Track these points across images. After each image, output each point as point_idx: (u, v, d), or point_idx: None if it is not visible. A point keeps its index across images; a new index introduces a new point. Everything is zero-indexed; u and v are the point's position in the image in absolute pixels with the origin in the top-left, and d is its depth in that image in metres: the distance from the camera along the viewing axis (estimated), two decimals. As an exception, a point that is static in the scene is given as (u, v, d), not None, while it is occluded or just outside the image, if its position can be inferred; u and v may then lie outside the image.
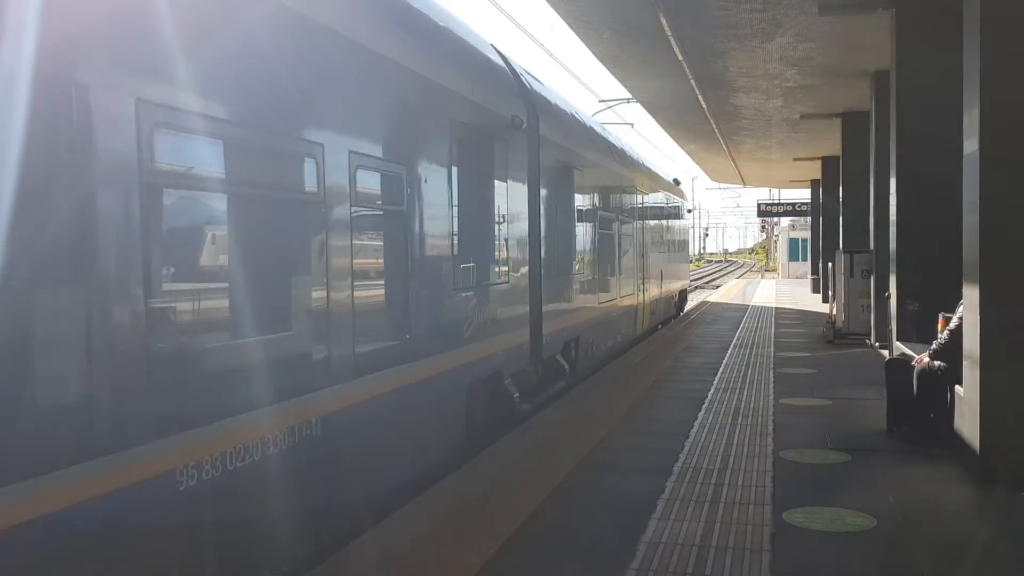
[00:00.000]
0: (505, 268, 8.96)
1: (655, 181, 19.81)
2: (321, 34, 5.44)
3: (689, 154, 30.72)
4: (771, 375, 11.57)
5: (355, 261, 5.68)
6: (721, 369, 12.15)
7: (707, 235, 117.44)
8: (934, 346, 7.65)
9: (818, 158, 27.85)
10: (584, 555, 4.96)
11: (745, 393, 10.14)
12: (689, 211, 29.53)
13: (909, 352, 8.84)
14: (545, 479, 6.42)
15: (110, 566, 3.65)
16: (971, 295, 6.61)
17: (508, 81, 9.54)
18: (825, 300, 23.73)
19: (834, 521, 5.49)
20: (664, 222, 20.94)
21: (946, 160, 8.24)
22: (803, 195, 40.56)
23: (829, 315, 17.64)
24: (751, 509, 5.70)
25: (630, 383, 11.08)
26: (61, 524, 3.37)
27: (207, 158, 4.41)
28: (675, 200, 23.22)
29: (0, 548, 3.12)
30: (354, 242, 5.69)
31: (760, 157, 29.15)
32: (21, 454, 3.25)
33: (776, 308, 24.82)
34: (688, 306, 26.16)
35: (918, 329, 10.60)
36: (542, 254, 10.03)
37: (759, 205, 44.05)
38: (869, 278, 15.12)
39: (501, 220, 8.81)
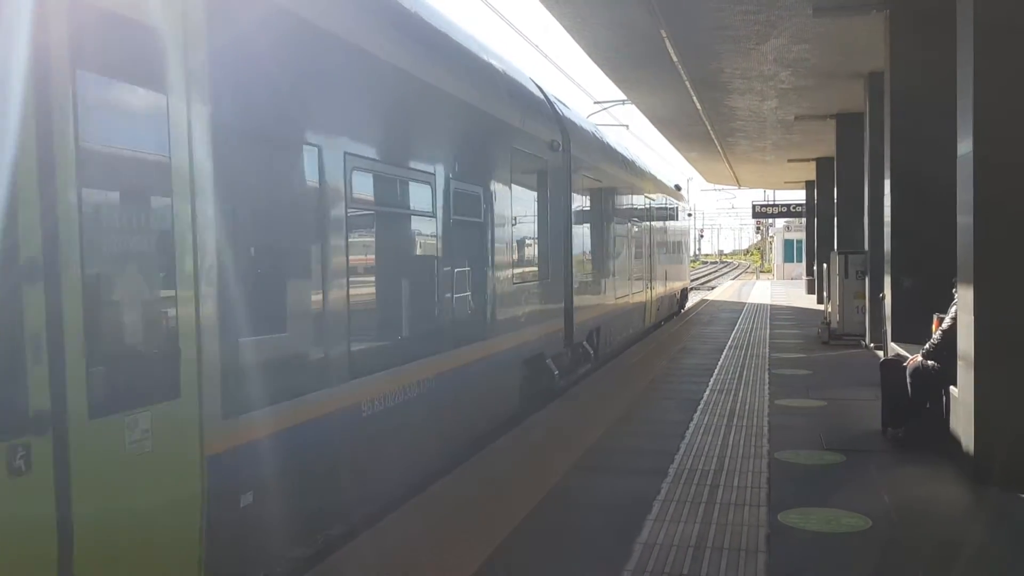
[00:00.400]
0: (547, 268, 10.72)
1: (660, 187, 21.41)
2: (449, 100, 7.70)
3: (684, 156, 30.77)
4: (766, 376, 11.59)
5: (451, 262, 7.52)
6: (717, 370, 12.16)
7: (702, 236, 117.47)
8: (927, 346, 7.67)
9: (813, 159, 27.91)
10: (580, 556, 4.96)
11: (740, 394, 10.15)
12: (689, 215, 31.71)
13: (904, 353, 8.85)
14: (541, 480, 6.42)
15: (326, 453, 5.41)
16: (965, 295, 6.62)
17: (547, 110, 11.26)
18: (820, 301, 23.79)
19: (829, 522, 5.50)
20: (668, 226, 22.57)
21: (940, 161, 8.28)
22: (798, 196, 40.59)
23: (824, 316, 17.68)
24: (746, 510, 5.70)
25: (626, 384, 11.09)
26: (314, 430, 5.21)
27: (380, 188, 6.43)
28: (677, 204, 24.90)
29: (281, 441, 4.80)
30: (455, 248, 7.61)
31: (755, 158, 29.20)
32: (295, 386, 5.06)
33: (771, 309, 24.86)
34: (687, 304, 27.59)
35: (915, 307, 10.24)
36: (572, 256, 11.82)
37: (754, 206, 44.08)
38: (864, 279, 15.15)
39: (545, 227, 10.65)
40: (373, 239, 6.27)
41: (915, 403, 7.60)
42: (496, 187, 8.81)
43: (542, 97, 11.41)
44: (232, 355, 4.38)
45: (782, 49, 13.75)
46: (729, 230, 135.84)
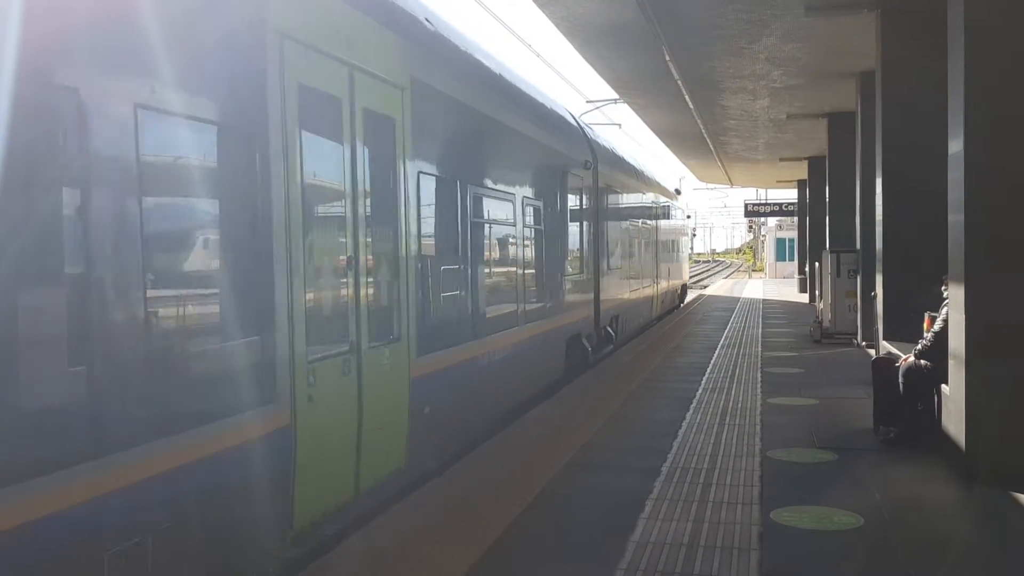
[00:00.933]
0: (581, 265, 13.13)
1: (664, 192, 23.76)
2: (532, 143, 10.60)
3: (676, 154, 30.81)
4: (759, 375, 11.62)
5: (527, 262, 10.22)
6: (709, 369, 12.19)
7: (695, 235, 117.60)
8: (919, 346, 7.69)
9: (804, 158, 27.97)
10: (573, 555, 4.97)
11: (733, 393, 10.18)
12: (688, 216, 34.76)
13: (895, 351, 8.89)
14: (534, 479, 6.43)
15: (465, 386, 7.92)
16: (956, 294, 6.65)
17: (580, 135, 13.77)
18: (812, 300, 23.87)
19: (821, 520, 5.52)
20: (671, 227, 24.98)
21: (931, 160, 8.29)
22: (790, 195, 40.74)
23: (816, 314, 17.73)
24: (739, 508, 5.72)
25: (619, 383, 11.10)
26: (459, 369, 7.73)
27: (494, 208, 9.02)
28: (677, 207, 27.69)
29: (443, 375, 7.26)
30: (530, 250, 10.36)
31: (747, 157, 29.26)
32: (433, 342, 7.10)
33: (763, 308, 24.93)
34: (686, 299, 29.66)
35: (907, 306, 10.23)
36: (598, 255, 14.09)
37: (746, 205, 44.21)
38: (855, 278, 15.20)
39: (580, 232, 13.03)
40: (492, 246, 9.07)
41: (907, 402, 7.63)
42: (551, 201, 11.37)
43: (576, 125, 14.04)
44: (422, 321, 6.92)
45: (774, 48, 13.78)
46: (721, 229, 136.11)
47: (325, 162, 5.58)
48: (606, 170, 14.82)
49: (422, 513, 5.72)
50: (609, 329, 14.96)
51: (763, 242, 64.37)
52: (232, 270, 4.61)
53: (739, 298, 28.82)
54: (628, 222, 17.59)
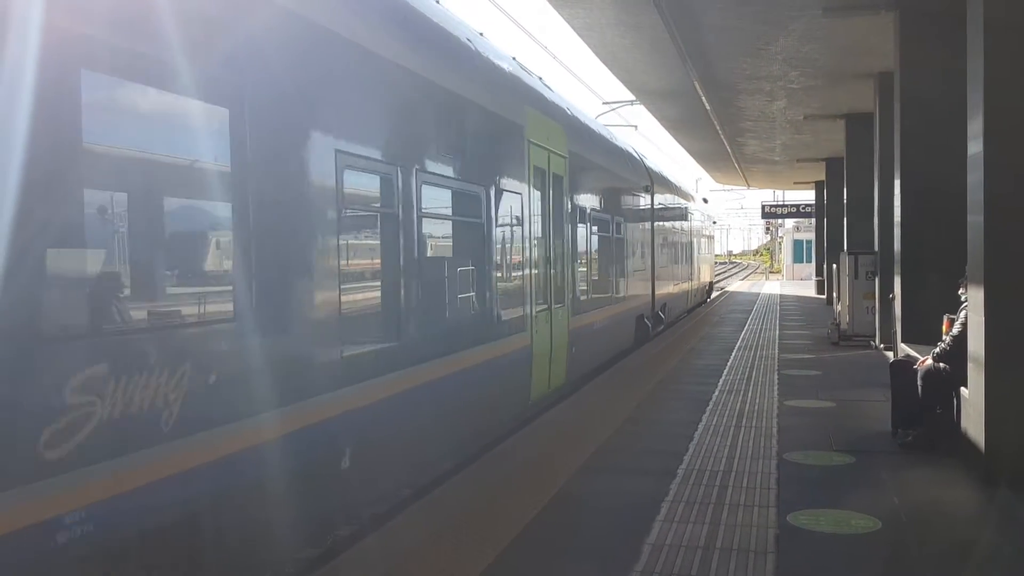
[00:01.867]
0: (643, 263, 17.39)
1: (695, 203, 29.19)
2: (622, 179, 15.48)
3: (693, 156, 30.71)
4: (775, 377, 11.56)
5: (620, 260, 14.62)
6: (726, 371, 12.14)
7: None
8: (938, 348, 7.63)
9: (822, 160, 27.83)
10: (588, 558, 4.96)
11: (750, 395, 10.13)
12: (714, 223, 40.47)
13: (914, 354, 8.82)
14: (549, 481, 6.42)
15: (591, 341, 12.26)
16: (976, 296, 6.59)
17: (641, 165, 17.99)
18: (830, 302, 23.73)
19: (839, 523, 5.48)
20: (701, 235, 29.73)
21: (950, 162, 8.24)
22: (807, 196, 40.53)
23: (833, 316, 17.62)
24: (756, 511, 5.69)
25: (635, 385, 11.08)
26: (589, 328, 12.10)
27: (607, 227, 13.94)
28: (706, 216, 33.53)
29: (584, 331, 11.64)
30: (621, 252, 14.76)
31: (764, 159, 29.14)
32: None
33: (780, 310, 24.83)
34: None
35: (925, 308, 10.14)
36: (654, 258, 18.42)
37: (763, 207, 44.00)
38: (874, 280, 15.10)
39: (645, 239, 17.67)
40: (602, 253, 13.55)
41: (925, 405, 7.56)
42: (629, 218, 15.74)
43: (638, 156, 18.27)
44: (574, 296, 11.11)
45: (791, 49, 13.72)
46: (738, 230, 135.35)
47: (542, 203, 9.97)
48: (658, 190, 19.21)
49: (437, 514, 5.72)
50: (660, 313, 19.33)
51: (780, 244, 64.03)
52: (519, 270, 9.20)
53: (758, 293, 33.43)
54: (671, 231, 21.95)
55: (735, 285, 46.46)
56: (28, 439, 3.21)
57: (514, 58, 10.49)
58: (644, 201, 17.36)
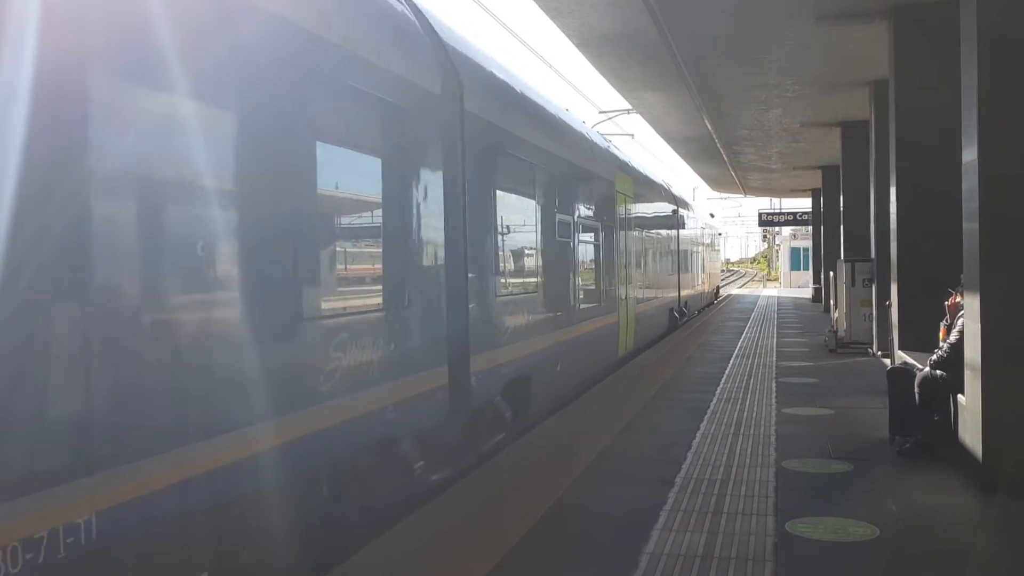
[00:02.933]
0: (673, 268, 21.84)
1: (707, 220, 36.51)
2: (656, 199, 20.17)
3: (689, 164, 30.78)
4: (773, 384, 11.57)
5: (657, 266, 19.52)
6: (724, 379, 12.14)
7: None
8: (935, 356, 7.64)
9: (818, 167, 27.91)
10: (587, 567, 4.96)
11: (747, 403, 10.14)
12: (719, 234, 47.07)
13: (911, 361, 8.84)
14: (548, 490, 6.42)
15: (644, 324, 16.99)
16: (972, 303, 6.61)
17: (670, 193, 22.40)
18: (827, 309, 23.77)
19: (837, 531, 5.48)
20: (710, 245, 34.96)
21: (945, 169, 8.26)
22: (804, 204, 40.63)
23: (831, 324, 17.65)
24: (754, 519, 5.69)
25: (633, 393, 11.09)
26: (643, 315, 16.82)
27: (645, 241, 18.06)
28: (713, 228, 39.43)
29: (636, 317, 16.11)
30: (658, 260, 19.66)
31: (761, 167, 29.22)
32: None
33: (777, 318, 24.86)
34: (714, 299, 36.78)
35: (922, 315, 10.16)
36: (680, 263, 22.95)
37: (760, 215, 44.10)
38: (870, 287, 15.12)
39: (677, 250, 22.46)
40: (647, 260, 17.58)
41: (923, 412, 7.57)
42: (666, 230, 20.97)
43: (667, 186, 22.37)
44: (626, 302, 14.76)
45: (786, 58, 13.78)
46: (735, 238, 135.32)
47: (623, 231, 14.45)
48: (685, 212, 24.23)
49: (437, 522, 5.72)
50: (684, 308, 23.40)
51: (777, 251, 64.13)
52: (615, 274, 13.75)
53: (756, 301, 35.64)
54: (689, 241, 26.08)
55: (734, 291, 49.77)
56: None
57: (599, 132, 17.31)
58: (672, 221, 22.10)
